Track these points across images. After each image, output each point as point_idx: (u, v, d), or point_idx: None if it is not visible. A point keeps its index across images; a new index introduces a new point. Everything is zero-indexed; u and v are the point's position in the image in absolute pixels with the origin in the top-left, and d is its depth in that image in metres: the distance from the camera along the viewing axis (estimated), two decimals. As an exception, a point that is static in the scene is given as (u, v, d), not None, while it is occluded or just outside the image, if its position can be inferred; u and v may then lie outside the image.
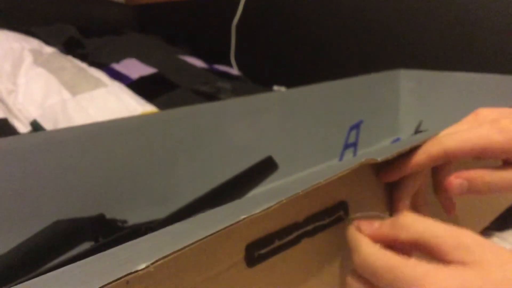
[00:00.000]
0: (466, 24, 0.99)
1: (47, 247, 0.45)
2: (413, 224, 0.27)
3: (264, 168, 0.60)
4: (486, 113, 0.35)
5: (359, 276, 0.27)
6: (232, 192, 0.58)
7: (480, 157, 0.32)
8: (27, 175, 0.51)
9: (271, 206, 0.22)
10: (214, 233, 0.20)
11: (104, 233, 0.50)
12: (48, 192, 0.53)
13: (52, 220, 0.47)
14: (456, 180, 0.32)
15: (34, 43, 1.18)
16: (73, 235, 0.48)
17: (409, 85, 1.00)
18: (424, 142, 0.34)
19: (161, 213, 0.53)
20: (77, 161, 0.55)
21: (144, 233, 0.48)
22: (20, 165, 0.50)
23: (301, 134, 0.81)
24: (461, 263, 0.24)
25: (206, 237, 0.19)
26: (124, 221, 0.54)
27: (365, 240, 0.28)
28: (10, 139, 0.53)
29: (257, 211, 0.22)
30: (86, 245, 0.48)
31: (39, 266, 0.42)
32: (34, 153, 0.51)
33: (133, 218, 0.54)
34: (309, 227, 0.27)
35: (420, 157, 0.33)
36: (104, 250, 0.43)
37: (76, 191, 0.55)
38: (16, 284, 0.38)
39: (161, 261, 0.18)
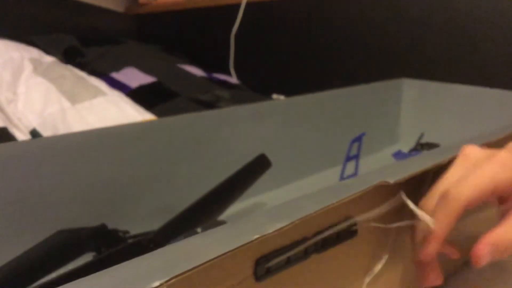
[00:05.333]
0: (471, 37, 1.00)
1: (50, 257, 0.44)
2: None
3: (258, 167, 0.60)
4: (475, 152, 0.34)
5: None
6: (228, 194, 0.57)
7: (489, 198, 0.31)
8: (26, 182, 0.50)
9: (284, 226, 0.22)
10: (227, 252, 0.20)
11: (106, 244, 0.50)
12: (48, 200, 0.52)
13: (53, 227, 0.47)
14: (485, 248, 0.30)
15: (34, 52, 1.18)
16: (75, 245, 0.48)
17: (411, 95, 1.00)
18: (436, 164, 0.34)
19: (162, 222, 0.53)
20: (77, 168, 0.54)
21: (147, 246, 0.48)
22: (19, 172, 0.50)
23: (301, 142, 0.81)
24: None
25: (219, 256, 0.19)
26: (126, 232, 0.54)
27: None
28: (9, 145, 0.52)
29: (270, 231, 0.22)
30: (87, 256, 0.48)
31: (41, 276, 0.42)
32: (33, 159, 0.51)
33: (134, 226, 0.54)
34: (317, 242, 0.27)
35: (444, 222, 0.31)
36: (107, 262, 0.43)
37: (76, 198, 0.55)
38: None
39: (174, 279, 0.18)
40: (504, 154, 0.31)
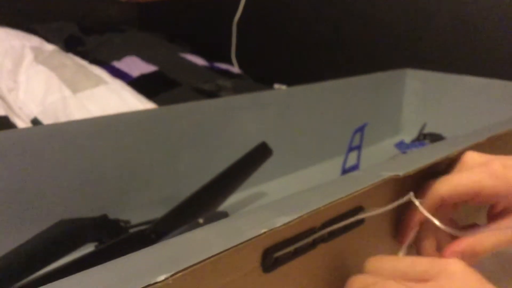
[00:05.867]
0: (476, 28, 0.99)
1: (50, 247, 0.44)
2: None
3: (259, 155, 0.60)
4: (474, 157, 0.35)
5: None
6: (230, 182, 0.58)
7: (473, 201, 0.33)
8: (27, 170, 0.50)
9: (292, 220, 0.22)
10: (234, 246, 0.20)
11: (108, 234, 0.50)
12: (49, 188, 0.52)
13: (53, 216, 0.47)
14: (451, 256, 0.32)
15: (35, 40, 1.17)
16: (77, 235, 0.47)
17: (415, 85, 1.00)
18: (444, 157, 0.34)
19: (164, 211, 0.53)
20: (78, 156, 0.54)
21: (148, 236, 0.48)
22: (19, 160, 0.49)
23: (303, 132, 0.81)
24: None
25: (226, 250, 0.19)
26: (127, 221, 0.54)
27: None
28: (9, 132, 0.52)
29: (278, 224, 0.21)
30: (89, 246, 0.47)
31: (42, 266, 0.42)
32: (33, 147, 0.50)
33: (135, 216, 0.54)
34: (325, 233, 0.27)
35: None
36: (109, 252, 0.43)
37: (77, 186, 0.54)
38: (19, 286, 0.37)
39: (180, 273, 0.18)
40: (497, 165, 0.32)
